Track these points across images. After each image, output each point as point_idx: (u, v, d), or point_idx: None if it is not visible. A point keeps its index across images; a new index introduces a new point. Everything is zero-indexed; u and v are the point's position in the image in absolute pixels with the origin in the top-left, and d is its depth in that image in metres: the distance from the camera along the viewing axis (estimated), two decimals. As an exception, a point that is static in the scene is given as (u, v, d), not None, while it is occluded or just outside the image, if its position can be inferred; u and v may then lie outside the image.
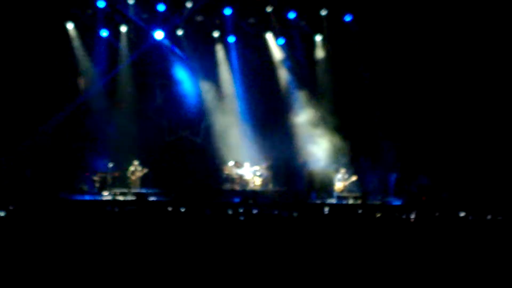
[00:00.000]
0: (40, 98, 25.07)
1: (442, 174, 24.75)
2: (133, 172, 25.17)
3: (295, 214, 17.85)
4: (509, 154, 24.73)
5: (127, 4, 25.81)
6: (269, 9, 26.31)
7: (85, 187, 24.48)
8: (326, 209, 18.83)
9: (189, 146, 27.53)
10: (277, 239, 14.14)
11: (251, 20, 26.93)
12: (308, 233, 14.95)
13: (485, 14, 24.42)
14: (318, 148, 26.13)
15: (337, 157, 25.82)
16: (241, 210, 18.03)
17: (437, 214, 17.78)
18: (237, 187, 25.30)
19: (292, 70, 27.35)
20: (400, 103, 25.91)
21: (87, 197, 23.36)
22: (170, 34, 26.77)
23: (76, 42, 26.18)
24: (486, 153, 24.93)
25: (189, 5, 25.95)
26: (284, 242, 13.90)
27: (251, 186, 25.38)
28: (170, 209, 19.02)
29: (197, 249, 13.09)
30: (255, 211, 18.26)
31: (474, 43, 24.92)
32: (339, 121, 26.22)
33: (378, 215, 18.24)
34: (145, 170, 25.22)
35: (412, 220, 17.01)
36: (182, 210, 18.54)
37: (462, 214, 17.68)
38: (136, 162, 25.26)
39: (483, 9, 24.37)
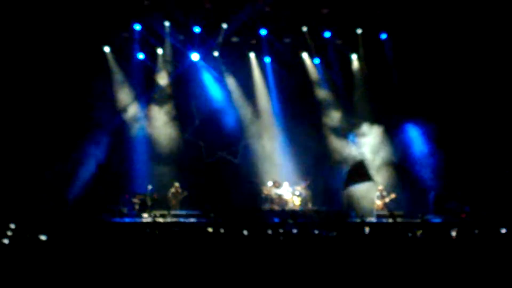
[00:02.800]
0: (77, 121, 25.19)
1: (481, 191, 24.61)
2: (173, 194, 25.24)
3: (334, 234, 17.78)
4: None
5: (163, 27, 25.99)
6: (304, 28, 26.35)
7: (125, 210, 24.52)
8: (367, 229, 18.71)
9: (227, 166, 27.45)
10: (318, 259, 14.09)
11: (287, 40, 26.98)
12: (348, 252, 14.87)
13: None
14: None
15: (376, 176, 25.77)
16: (280, 230, 17.98)
17: (476, 231, 17.60)
18: (276, 207, 25.22)
19: (328, 88, 27.32)
20: (438, 119, 25.78)
21: (126, 220, 23.44)
22: (206, 56, 26.91)
23: (113, 65, 26.39)
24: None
25: (224, 26, 26.05)
26: (324, 262, 13.84)
27: (290, 206, 25.30)
28: (210, 230, 19.04)
29: (237, 270, 13.09)
30: (294, 231, 18.19)
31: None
32: (376, 138, 26.17)
33: (419, 232, 18.10)
34: (185, 193, 25.27)
35: (453, 237, 16.84)
36: (222, 231, 18.53)
37: (503, 230, 17.48)
38: (177, 184, 25.35)
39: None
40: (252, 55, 27.41)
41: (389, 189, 24.88)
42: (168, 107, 26.75)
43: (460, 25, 24.97)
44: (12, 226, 17.19)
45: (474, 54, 25.26)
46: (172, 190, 25.30)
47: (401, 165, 26.05)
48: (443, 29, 25.27)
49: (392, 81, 26.59)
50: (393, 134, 26.36)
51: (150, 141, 26.35)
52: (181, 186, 25.44)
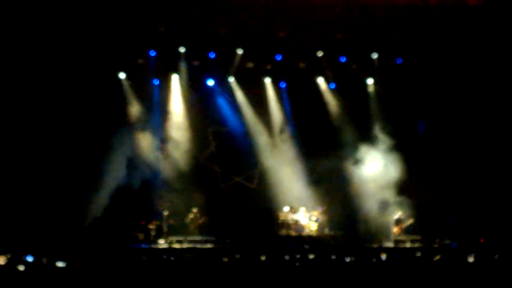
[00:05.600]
0: (94, 145, 25.20)
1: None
2: (192, 220, 25.19)
3: (352, 259, 17.69)
4: None
5: (178, 53, 26.06)
6: (319, 54, 26.34)
7: (141, 236, 24.47)
8: (384, 256, 18.61)
9: (243, 192, 27.37)
10: (335, 284, 14.03)
11: (302, 65, 26.94)
12: (365, 278, 14.80)
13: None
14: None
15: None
16: (297, 256, 17.92)
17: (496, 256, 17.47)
18: (293, 233, 25.09)
19: (344, 113, 27.26)
20: (457, 146, 25.80)
21: (142, 246, 23.39)
22: (221, 81, 26.95)
23: (129, 91, 26.44)
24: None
25: (239, 51, 26.09)
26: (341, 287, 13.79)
27: (307, 231, 25.16)
28: (225, 255, 18.98)
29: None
30: (311, 257, 18.13)
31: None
32: (393, 163, 26.15)
33: (437, 258, 17.99)
34: (204, 218, 25.24)
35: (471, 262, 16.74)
36: (237, 256, 18.47)
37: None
38: (195, 210, 25.32)
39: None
40: (267, 80, 27.39)
41: (407, 214, 24.77)
42: (183, 132, 26.75)
43: (475, 50, 25.09)
44: (30, 259, 17.13)
45: (489, 76, 25.34)
46: (191, 215, 25.26)
47: (416, 187, 25.94)
48: (459, 53, 25.35)
49: (408, 105, 26.59)
50: (409, 156, 26.32)
51: (166, 167, 26.33)
52: (201, 212, 25.44)
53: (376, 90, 27.34)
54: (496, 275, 15.24)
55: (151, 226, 24.63)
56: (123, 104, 26.36)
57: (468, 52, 25.37)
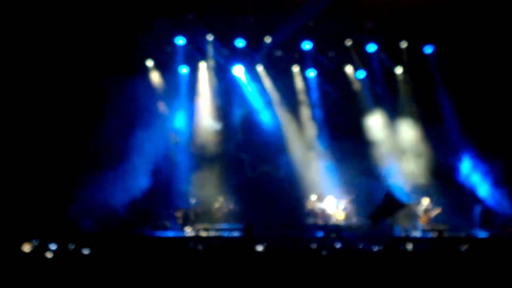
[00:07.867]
0: (122, 134, 25.17)
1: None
2: (218, 208, 25.22)
3: (378, 249, 17.62)
4: None
5: (206, 41, 26.07)
6: (348, 42, 26.25)
7: (168, 224, 24.53)
8: (410, 246, 18.51)
9: (270, 181, 27.34)
10: (361, 274, 13.94)
11: (331, 54, 26.87)
12: (392, 268, 14.71)
13: None
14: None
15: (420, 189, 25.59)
16: (324, 245, 17.86)
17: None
18: (319, 222, 25.01)
19: (373, 102, 27.17)
20: (484, 134, 25.50)
21: (169, 234, 23.44)
22: (250, 69, 26.93)
23: (156, 79, 26.49)
24: None
25: (268, 40, 26.02)
26: (368, 277, 13.71)
27: (334, 220, 25.07)
28: (252, 244, 18.97)
29: (280, 285, 13.01)
30: (338, 246, 18.07)
31: None
32: (422, 153, 26.05)
33: (465, 247, 17.86)
34: (230, 206, 25.27)
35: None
36: (263, 246, 18.45)
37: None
38: (221, 198, 25.37)
39: None
40: (295, 69, 27.34)
41: (434, 203, 24.59)
42: (211, 121, 26.79)
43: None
44: (53, 247, 17.21)
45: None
46: (217, 204, 25.28)
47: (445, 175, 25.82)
48: (492, 42, 25.07)
49: (437, 94, 26.42)
50: (437, 143, 26.27)
51: (193, 155, 26.38)
52: (227, 201, 25.48)
53: (405, 79, 27.20)
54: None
55: (178, 214, 24.68)
56: (152, 93, 26.39)
57: (499, 40, 25.11)
